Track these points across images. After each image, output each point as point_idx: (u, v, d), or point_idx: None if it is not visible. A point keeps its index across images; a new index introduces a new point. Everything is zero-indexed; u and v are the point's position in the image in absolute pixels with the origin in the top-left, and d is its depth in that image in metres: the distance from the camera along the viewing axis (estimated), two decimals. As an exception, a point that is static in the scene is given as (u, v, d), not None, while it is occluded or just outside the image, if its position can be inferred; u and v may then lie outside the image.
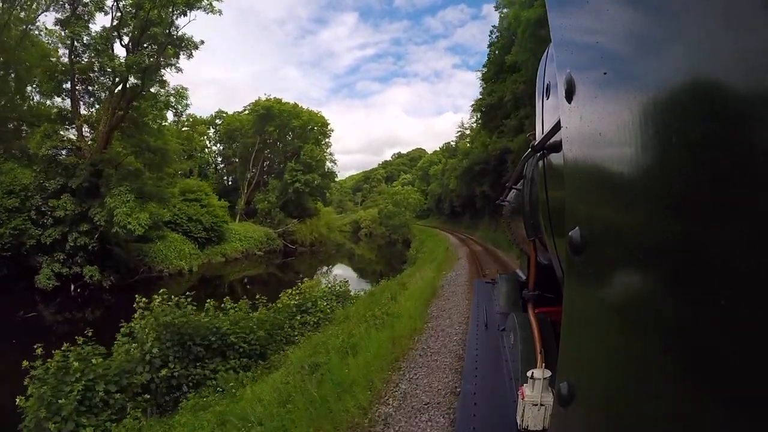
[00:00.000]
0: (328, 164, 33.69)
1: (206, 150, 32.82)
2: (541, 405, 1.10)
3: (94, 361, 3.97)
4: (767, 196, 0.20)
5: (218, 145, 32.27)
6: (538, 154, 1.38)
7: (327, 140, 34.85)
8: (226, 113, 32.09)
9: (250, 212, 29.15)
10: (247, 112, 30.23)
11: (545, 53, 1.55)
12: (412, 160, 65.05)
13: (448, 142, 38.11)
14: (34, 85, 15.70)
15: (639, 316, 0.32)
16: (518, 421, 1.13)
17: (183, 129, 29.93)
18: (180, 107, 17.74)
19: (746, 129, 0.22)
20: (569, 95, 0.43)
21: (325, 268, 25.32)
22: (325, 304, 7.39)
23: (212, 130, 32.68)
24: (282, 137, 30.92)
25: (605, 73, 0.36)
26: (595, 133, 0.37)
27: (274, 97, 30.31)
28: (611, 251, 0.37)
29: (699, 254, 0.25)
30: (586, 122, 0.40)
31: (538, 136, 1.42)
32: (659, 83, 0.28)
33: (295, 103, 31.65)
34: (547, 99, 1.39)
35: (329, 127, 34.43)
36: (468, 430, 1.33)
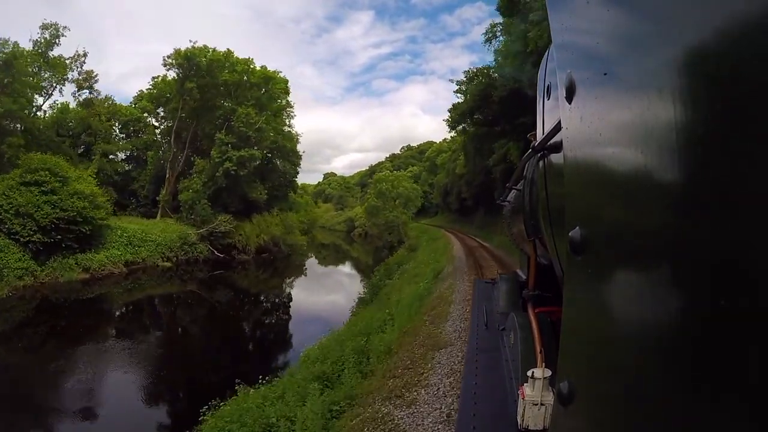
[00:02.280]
0: (295, 145, 31.41)
1: (154, 129, 30.59)
2: (542, 404, 1.41)
3: None
4: (766, 196, 0.24)
5: (169, 122, 29.76)
6: (539, 155, 1.72)
7: (289, 109, 32.15)
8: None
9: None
10: (167, 68, 27.29)
11: (546, 53, 1.94)
12: (422, 152, 67.64)
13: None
14: None
15: (639, 316, 0.38)
16: (518, 421, 1.44)
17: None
18: None
19: (746, 128, 0.26)
20: (570, 96, 0.53)
21: (279, 284, 22.56)
22: None
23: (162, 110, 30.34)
24: (211, 99, 27.99)
25: (605, 74, 0.44)
26: (596, 134, 0.45)
27: (203, 45, 27.26)
28: (611, 251, 0.44)
29: (699, 254, 0.30)
30: (587, 122, 0.48)
31: (539, 136, 1.78)
32: (659, 83, 0.34)
33: (229, 50, 28.46)
34: (548, 99, 1.74)
35: (287, 88, 31.59)
36: (468, 429, 1.62)
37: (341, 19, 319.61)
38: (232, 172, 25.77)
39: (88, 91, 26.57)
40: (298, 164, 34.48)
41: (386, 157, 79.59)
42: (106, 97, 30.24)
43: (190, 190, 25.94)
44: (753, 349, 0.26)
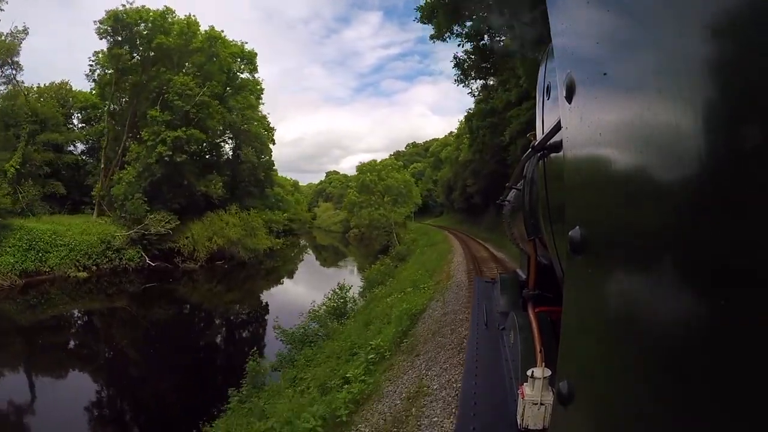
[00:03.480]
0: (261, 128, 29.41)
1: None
2: (541, 404, 1.61)
3: None
4: (766, 195, 0.28)
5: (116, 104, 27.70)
6: (539, 154, 1.94)
7: (258, 89, 29.74)
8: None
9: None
10: (100, 37, 24.65)
11: (546, 53, 2.20)
12: (428, 150, 69.12)
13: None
14: None
15: (639, 316, 0.43)
16: (518, 421, 1.65)
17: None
18: None
19: (746, 127, 0.30)
20: (569, 95, 0.60)
21: (232, 302, 19.47)
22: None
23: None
24: (153, 72, 25.54)
25: (605, 74, 0.50)
26: (596, 133, 0.51)
27: (142, 6, 24.81)
28: (611, 251, 0.50)
29: (699, 254, 0.35)
30: (586, 122, 0.54)
31: (539, 136, 2.01)
32: (659, 83, 0.39)
33: (168, 8, 25.71)
34: (548, 99, 1.97)
35: (253, 62, 29.15)
36: (468, 429, 1.81)
37: (350, 19, 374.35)
38: (167, 159, 23.21)
39: (10, 67, 24.16)
40: (267, 153, 32.34)
41: (390, 155, 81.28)
42: (62, 82, 28.28)
43: (123, 183, 23.76)
44: (752, 349, 0.29)
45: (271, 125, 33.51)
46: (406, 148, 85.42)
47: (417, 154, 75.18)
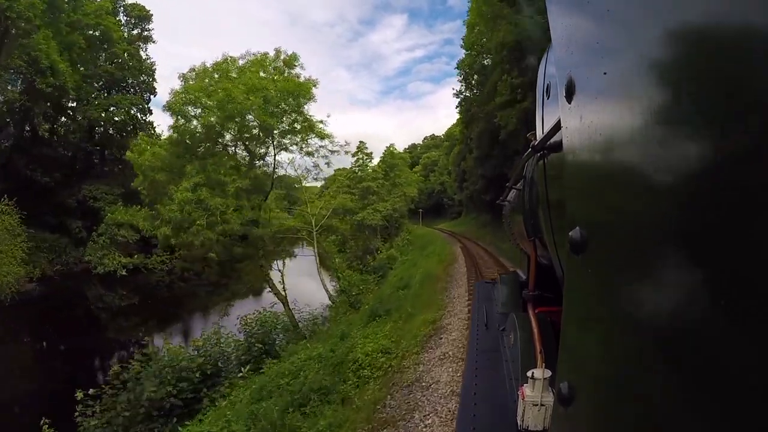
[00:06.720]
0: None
1: None
2: (542, 405, 1.63)
3: None
4: (766, 195, 0.28)
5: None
6: (538, 154, 1.97)
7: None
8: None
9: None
10: None
11: (545, 52, 2.22)
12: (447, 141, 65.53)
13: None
14: None
15: (639, 316, 0.44)
16: (518, 422, 1.67)
17: None
18: None
19: (748, 126, 0.30)
20: (569, 95, 0.60)
21: None
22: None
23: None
24: None
25: (605, 73, 0.50)
26: (596, 133, 0.52)
27: None
28: (611, 251, 0.50)
29: (699, 254, 0.35)
30: (586, 122, 0.55)
31: (539, 136, 2.03)
32: (659, 83, 0.39)
33: None
34: (548, 99, 2.00)
35: None
36: (468, 430, 1.82)
37: (374, 22, 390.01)
38: None
39: None
40: (124, 103, 17.12)
41: (405, 149, 75.69)
42: None
43: None
44: (754, 350, 0.29)
45: (148, 59, 18.76)
46: (423, 141, 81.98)
47: (435, 146, 70.88)
